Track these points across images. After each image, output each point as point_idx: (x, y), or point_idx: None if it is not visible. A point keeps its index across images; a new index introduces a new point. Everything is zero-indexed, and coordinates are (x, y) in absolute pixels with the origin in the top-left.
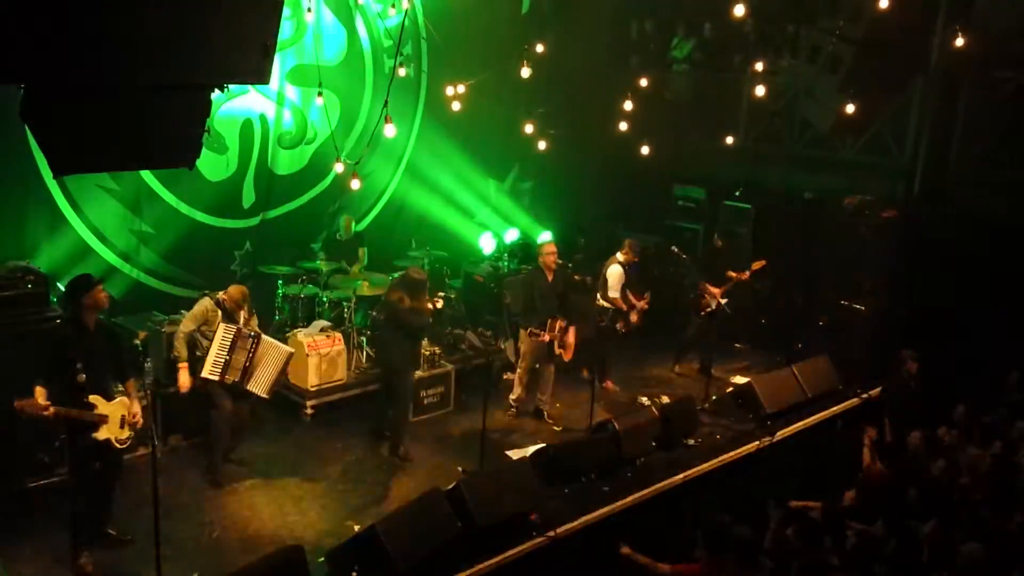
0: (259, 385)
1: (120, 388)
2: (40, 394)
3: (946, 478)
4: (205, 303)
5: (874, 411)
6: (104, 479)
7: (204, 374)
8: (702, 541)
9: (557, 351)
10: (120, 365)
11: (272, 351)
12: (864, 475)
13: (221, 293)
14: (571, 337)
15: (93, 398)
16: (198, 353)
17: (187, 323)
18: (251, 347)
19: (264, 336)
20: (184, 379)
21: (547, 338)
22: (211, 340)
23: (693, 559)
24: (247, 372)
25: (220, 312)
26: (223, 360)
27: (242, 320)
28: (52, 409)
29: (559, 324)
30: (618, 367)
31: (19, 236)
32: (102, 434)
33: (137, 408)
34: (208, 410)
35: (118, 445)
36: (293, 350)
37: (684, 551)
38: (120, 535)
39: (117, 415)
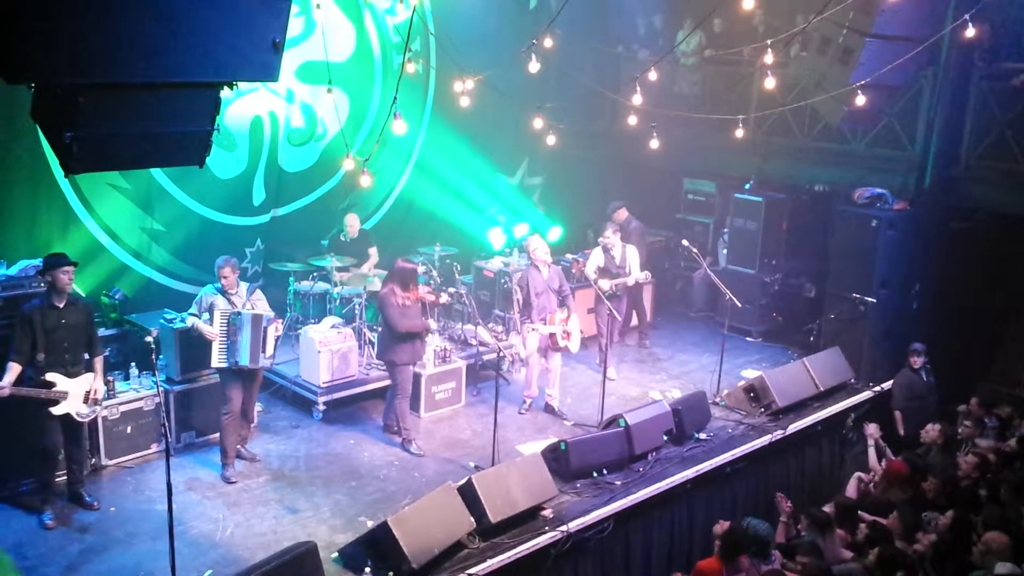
0: (269, 357)
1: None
2: (12, 371)
3: (964, 472)
4: (204, 290)
5: (883, 405)
6: (68, 450)
7: (214, 364)
8: (719, 548)
9: (562, 343)
10: (91, 341)
11: (261, 317)
12: (886, 468)
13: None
14: (575, 329)
15: (52, 376)
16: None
17: (192, 313)
18: (249, 325)
19: (255, 312)
20: (205, 328)
21: (547, 332)
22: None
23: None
24: (255, 350)
25: (220, 296)
26: (226, 345)
27: (239, 300)
28: (8, 391)
29: (560, 317)
30: (627, 362)
31: (32, 235)
32: (59, 410)
33: (100, 384)
34: (219, 407)
35: (78, 419)
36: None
37: (697, 545)
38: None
39: (80, 391)
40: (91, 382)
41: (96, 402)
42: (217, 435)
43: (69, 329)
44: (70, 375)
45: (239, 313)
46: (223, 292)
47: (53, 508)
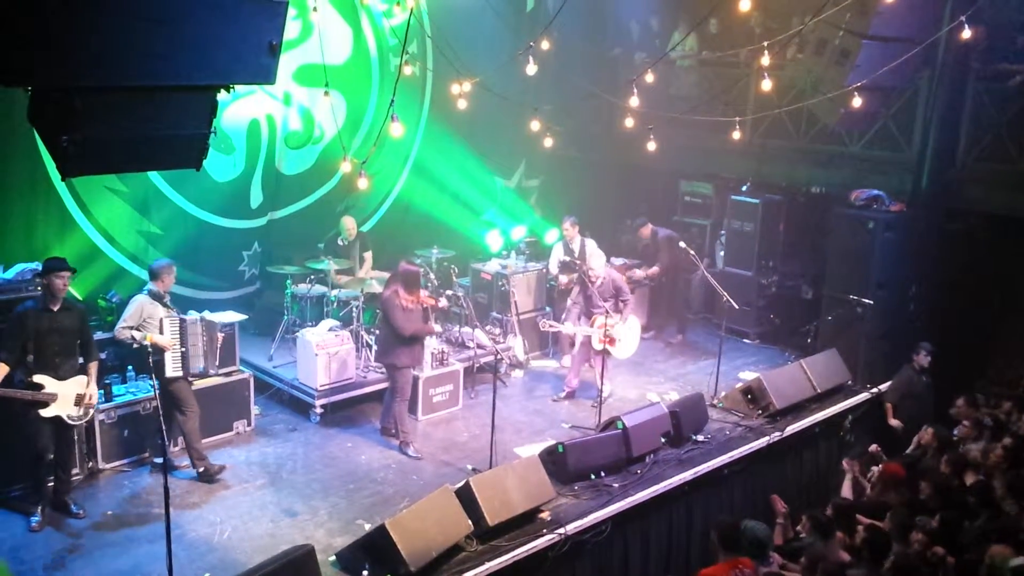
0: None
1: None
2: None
3: (958, 472)
4: (138, 299)
5: (880, 406)
6: (57, 454)
7: (169, 374)
8: (718, 542)
9: (598, 346)
10: (85, 346)
11: (216, 323)
12: (881, 471)
13: (152, 283)
14: (624, 336)
15: (39, 378)
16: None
17: (122, 325)
18: (201, 330)
19: (208, 317)
20: (161, 339)
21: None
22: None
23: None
24: (208, 355)
25: (158, 303)
26: (180, 352)
27: (170, 307)
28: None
29: (603, 322)
30: (624, 364)
31: (29, 238)
32: (49, 412)
33: (94, 389)
34: (177, 414)
35: (69, 422)
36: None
37: (695, 547)
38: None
39: (71, 393)
40: (83, 385)
41: (89, 406)
42: (207, 439)
43: (61, 333)
44: (60, 378)
45: (195, 320)
46: (159, 298)
47: (42, 511)
